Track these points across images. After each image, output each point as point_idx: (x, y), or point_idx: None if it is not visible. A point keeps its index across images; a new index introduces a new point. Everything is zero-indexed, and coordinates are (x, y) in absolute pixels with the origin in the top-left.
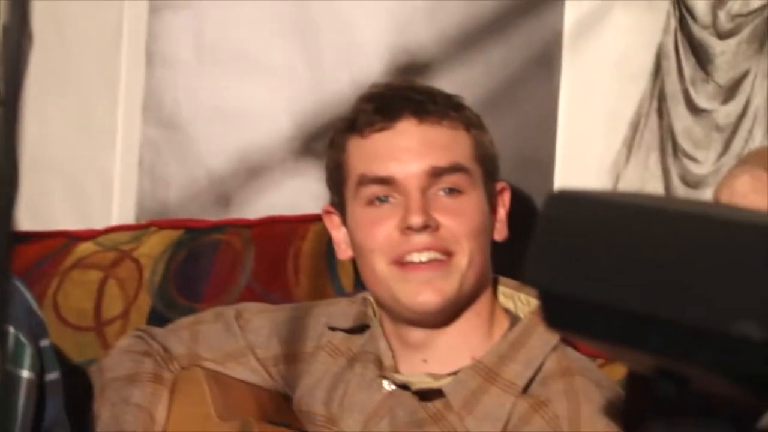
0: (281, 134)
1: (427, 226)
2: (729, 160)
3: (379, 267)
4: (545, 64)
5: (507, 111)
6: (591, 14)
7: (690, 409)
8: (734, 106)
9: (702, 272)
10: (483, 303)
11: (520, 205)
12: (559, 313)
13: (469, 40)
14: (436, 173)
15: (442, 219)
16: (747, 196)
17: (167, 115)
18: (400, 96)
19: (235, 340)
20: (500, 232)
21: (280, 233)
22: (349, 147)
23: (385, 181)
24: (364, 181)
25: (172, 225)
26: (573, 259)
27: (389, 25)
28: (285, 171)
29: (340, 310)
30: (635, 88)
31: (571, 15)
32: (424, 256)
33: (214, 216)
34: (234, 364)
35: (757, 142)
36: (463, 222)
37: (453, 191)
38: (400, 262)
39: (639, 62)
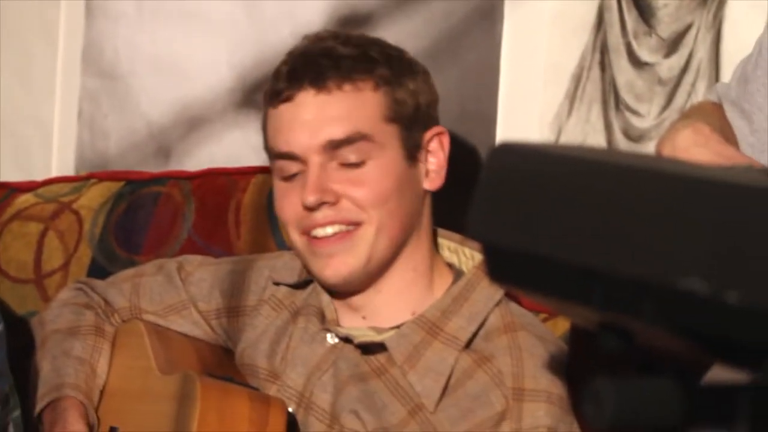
0: (222, 86)
1: (323, 203)
2: (671, 113)
3: (294, 238)
4: (487, 15)
5: (449, 63)
6: None
7: (634, 363)
8: (677, 60)
9: (646, 226)
10: (418, 258)
11: (463, 157)
12: (502, 268)
13: None
14: (333, 146)
15: (344, 190)
16: (689, 150)
17: (107, 66)
18: (308, 61)
19: (177, 292)
20: (433, 181)
21: (221, 185)
22: (266, 116)
23: (287, 156)
24: (272, 155)
25: (112, 177)
26: (516, 212)
27: None
28: (225, 123)
29: (284, 264)
30: (577, 40)
31: None
32: (329, 229)
33: (154, 168)
34: (175, 316)
35: (699, 96)
36: (367, 191)
37: (355, 160)
38: (309, 235)
39: (581, 15)
